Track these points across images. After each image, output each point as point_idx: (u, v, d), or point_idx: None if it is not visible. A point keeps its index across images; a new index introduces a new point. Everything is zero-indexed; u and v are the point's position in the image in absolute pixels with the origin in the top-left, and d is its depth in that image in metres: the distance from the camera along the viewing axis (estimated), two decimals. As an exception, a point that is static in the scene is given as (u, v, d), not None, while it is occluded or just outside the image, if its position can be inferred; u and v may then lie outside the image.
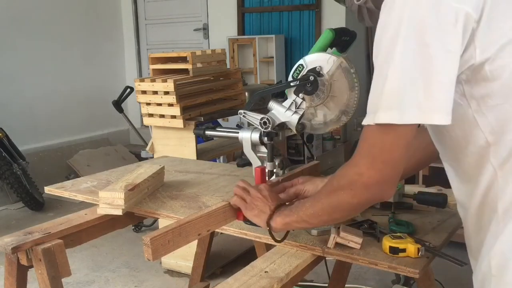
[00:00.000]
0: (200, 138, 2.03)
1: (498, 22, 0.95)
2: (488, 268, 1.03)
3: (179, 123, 2.98)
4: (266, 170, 1.58)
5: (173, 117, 3.00)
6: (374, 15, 1.23)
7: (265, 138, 1.61)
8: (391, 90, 0.95)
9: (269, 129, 1.59)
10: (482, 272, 1.06)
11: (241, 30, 5.66)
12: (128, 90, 4.59)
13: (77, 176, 4.90)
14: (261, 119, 1.60)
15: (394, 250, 1.27)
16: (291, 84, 1.58)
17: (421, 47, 0.92)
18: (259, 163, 1.65)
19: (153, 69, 3.21)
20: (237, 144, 1.73)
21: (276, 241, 1.32)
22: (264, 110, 1.64)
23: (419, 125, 0.98)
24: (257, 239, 1.47)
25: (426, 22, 0.93)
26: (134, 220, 1.84)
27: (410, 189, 1.67)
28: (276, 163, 1.64)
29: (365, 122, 1.01)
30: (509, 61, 0.95)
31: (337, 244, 1.32)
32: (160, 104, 3.02)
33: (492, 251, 1.03)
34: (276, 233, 1.30)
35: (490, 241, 1.04)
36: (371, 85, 1.00)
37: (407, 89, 0.93)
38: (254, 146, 1.67)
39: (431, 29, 0.92)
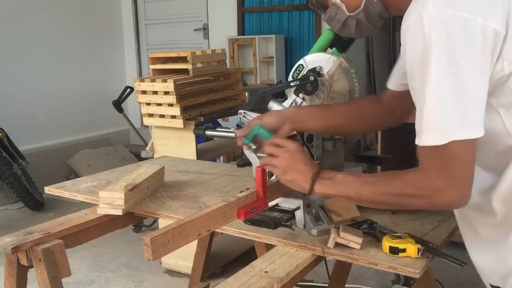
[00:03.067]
0: (200, 138, 2.03)
1: None
2: None
3: (179, 123, 2.98)
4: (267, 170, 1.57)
5: (173, 117, 3.00)
6: (361, 27, 1.26)
7: (265, 138, 1.61)
8: (431, 111, 0.99)
9: (269, 129, 1.59)
10: (507, 266, 1.11)
11: (241, 30, 5.66)
12: (128, 90, 4.59)
13: (77, 176, 4.90)
14: (261, 119, 1.60)
15: (394, 250, 1.27)
16: (291, 84, 1.59)
17: (452, 66, 0.95)
18: (259, 163, 1.64)
19: (153, 69, 3.21)
20: (237, 144, 1.73)
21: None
22: (264, 110, 1.64)
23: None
24: (257, 239, 1.47)
25: (454, 41, 0.95)
26: (134, 220, 1.84)
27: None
28: (276, 163, 1.64)
29: (417, 142, 1.03)
30: None
31: (337, 244, 1.32)
32: (160, 104, 3.02)
33: None
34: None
35: None
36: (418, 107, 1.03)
37: (446, 109, 0.97)
38: (254, 146, 1.67)
39: (460, 48, 0.95)
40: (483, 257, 1.18)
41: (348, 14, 1.24)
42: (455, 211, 1.24)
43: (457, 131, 0.97)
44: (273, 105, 1.64)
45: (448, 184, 1.01)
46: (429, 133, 0.99)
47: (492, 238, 1.14)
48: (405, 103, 1.25)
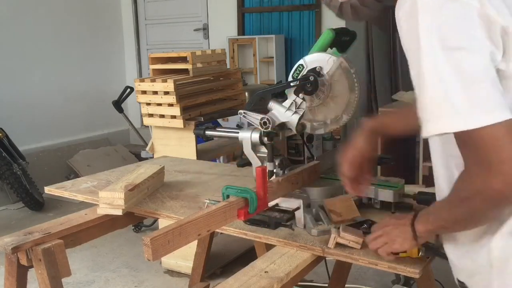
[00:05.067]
0: (200, 138, 2.03)
1: None
2: (486, 260, 1.06)
3: (179, 123, 2.98)
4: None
5: (173, 117, 3.00)
6: (357, 11, 1.25)
7: (265, 138, 1.61)
8: (433, 100, 0.95)
9: (269, 129, 1.59)
10: (476, 264, 1.09)
11: (241, 30, 5.66)
12: (128, 90, 4.59)
13: (77, 176, 4.90)
14: (261, 119, 1.60)
15: None
16: (291, 84, 1.58)
17: (452, 51, 0.93)
18: (259, 163, 1.64)
19: (153, 69, 3.21)
20: (237, 144, 1.73)
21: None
22: (264, 110, 1.64)
23: None
24: (257, 239, 1.47)
25: (452, 26, 0.93)
26: (134, 220, 1.84)
27: (410, 189, 1.67)
28: (276, 163, 1.64)
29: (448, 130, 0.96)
30: None
31: (337, 244, 1.32)
32: (160, 104, 3.02)
33: (493, 243, 1.05)
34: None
35: (488, 233, 1.06)
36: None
37: (451, 96, 0.93)
38: (254, 146, 1.67)
39: (459, 32, 0.93)
40: (455, 252, 1.17)
41: (340, 0, 1.24)
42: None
43: (489, 112, 0.91)
44: (273, 105, 1.64)
45: (487, 170, 0.93)
46: (457, 118, 0.93)
47: (465, 235, 1.12)
48: None
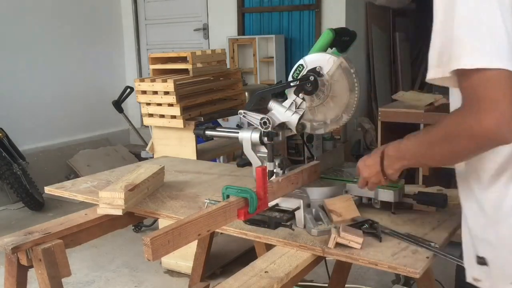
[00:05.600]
0: (200, 138, 2.03)
1: None
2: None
3: (179, 123, 2.98)
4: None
5: (173, 117, 3.00)
6: None
7: (265, 138, 1.61)
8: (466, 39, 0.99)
9: (269, 129, 1.59)
10: (500, 235, 1.12)
11: (241, 30, 5.66)
12: (128, 90, 4.59)
13: (77, 176, 4.90)
14: (261, 119, 1.60)
15: None
16: (291, 84, 1.58)
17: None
18: (259, 163, 1.65)
19: (153, 69, 3.21)
20: (237, 144, 1.73)
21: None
22: (264, 110, 1.64)
23: None
24: (257, 239, 1.47)
25: None
26: (134, 220, 1.84)
27: (410, 189, 1.67)
28: (276, 163, 1.64)
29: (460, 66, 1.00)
30: None
31: (337, 244, 1.32)
32: (160, 104, 3.02)
33: None
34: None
35: None
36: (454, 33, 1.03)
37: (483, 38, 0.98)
38: (254, 146, 1.67)
39: None
40: (478, 222, 1.16)
41: None
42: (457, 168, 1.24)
43: (497, 58, 0.97)
44: (273, 105, 1.64)
45: (481, 107, 0.98)
46: (469, 57, 0.98)
47: (491, 205, 1.12)
48: None
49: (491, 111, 0.97)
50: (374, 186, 1.43)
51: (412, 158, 1.23)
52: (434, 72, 1.06)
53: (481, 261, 1.16)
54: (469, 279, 1.20)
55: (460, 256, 1.30)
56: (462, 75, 1.01)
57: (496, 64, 0.96)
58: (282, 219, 1.39)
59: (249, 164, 1.73)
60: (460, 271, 1.33)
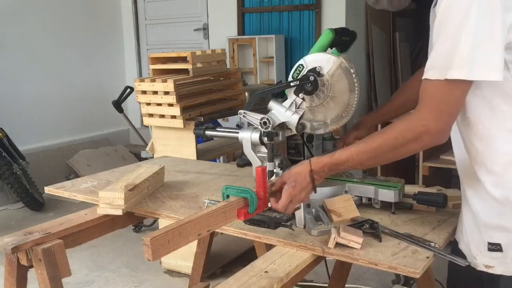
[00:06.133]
0: (200, 138, 2.03)
1: None
2: None
3: (179, 123, 2.98)
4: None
5: (173, 117, 3.00)
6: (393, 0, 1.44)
7: (265, 138, 1.61)
8: (464, 51, 1.09)
9: (269, 129, 1.59)
10: None
11: (241, 30, 5.65)
12: (128, 90, 4.59)
13: (77, 176, 4.90)
14: (261, 119, 1.60)
15: None
16: (291, 84, 1.58)
17: (492, 14, 1.08)
18: (259, 163, 1.65)
19: (153, 69, 3.21)
20: (237, 144, 1.73)
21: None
22: (264, 110, 1.64)
23: None
24: (257, 239, 1.47)
25: None
26: (134, 220, 1.84)
27: (410, 189, 1.67)
28: (276, 163, 1.64)
29: (431, 76, 1.15)
30: None
31: (337, 244, 1.32)
32: (160, 104, 3.02)
33: None
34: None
35: None
36: (433, 47, 1.16)
37: (478, 51, 1.09)
38: (254, 146, 1.67)
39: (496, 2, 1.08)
40: (489, 210, 1.22)
41: None
42: (459, 161, 1.32)
43: (484, 72, 1.09)
44: (273, 105, 1.64)
45: (436, 119, 1.14)
46: (460, 69, 1.09)
47: (503, 194, 1.20)
48: None
49: (440, 123, 1.17)
50: (295, 205, 1.38)
51: (346, 166, 1.31)
52: (432, 74, 1.16)
53: (494, 247, 1.22)
54: (480, 267, 1.25)
55: (453, 252, 1.32)
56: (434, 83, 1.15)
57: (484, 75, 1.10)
58: (282, 219, 1.39)
59: (249, 164, 1.73)
60: (453, 268, 1.36)
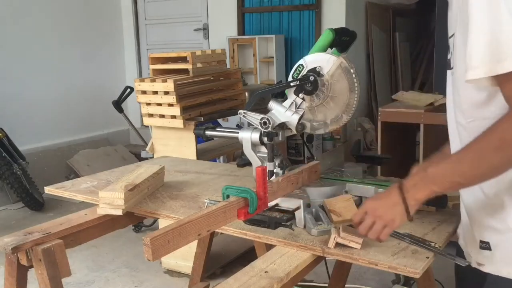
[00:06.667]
0: (200, 138, 2.03)
1: None
2: None
3: (179, 123, 2.98)
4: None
5: (173, 117, 3.00)
6: None
7: (265, 138, 1.61)
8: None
9: (269, 129, 1.59)
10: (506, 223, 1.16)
11: (241, 30, 5.66)
12: (128, 90, 4.59)
13: (77, 176, 4.90)
14: (261, 119, 1.60)
15: None
16: (291, 84, 1.59)
17: None
18: (259, 163, 1.65)
19: (153, 69, 3.21)
20: (237, 144, 1.73)
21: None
22: (264, 110, 1.64)
23: None
24: (257, 239, 1.47)
25: None
26: (134, 220, 1.84)
27: (410, 189, 1.66)
28: (276, 163, 1.64)
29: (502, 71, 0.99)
30: None
31: (337, 244, 1.32)
32: (160, 104, 3.02)
33: None
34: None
35: None
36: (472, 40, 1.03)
37: None
38: (254, 146, 1.67)
39: None
40: (481, 211, 1.21)
41: None
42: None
43: None
44: (273, 105, 1.64)
45: None
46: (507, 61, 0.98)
47: (494, 193, 1.16)
48: None
49: None
50: (387, 234, 1.24)
51: (444, 181, 1.13)
52: (479, 72, 1.03)
53: (484, 246, 1.20)
54: (473, 264, 1.24)
55: (458, 254, 1.31)
56: (507, 78, 1.00)
57: None
58: (282, 219, 1.39)
59: (249, 164, 1.73)
60: (459, 269, 1.35)
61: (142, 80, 3.06)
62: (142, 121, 3.80)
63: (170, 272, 3.30)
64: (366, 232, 1.24)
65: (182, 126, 2.97)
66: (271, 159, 1.63)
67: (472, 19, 1.03)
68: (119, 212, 1.64)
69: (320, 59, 1.59)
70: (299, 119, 1.60)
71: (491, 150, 1.04)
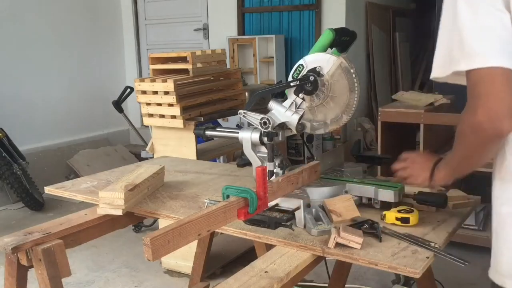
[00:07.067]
0: (200, 138, 2.03)
1: None
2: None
3: (179, 123, 2.98)
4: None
5: (173, 117, 3.00)
6: None
7: (265, 138, 1.61)
8: (469, 41, 1.08)
9: (269, 129, 1.59)
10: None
11: (241, 30, 5.66)
12: (128, 90, 4.59)
13: (77, 176, 4.90)
14: (261, 119, 1.60)
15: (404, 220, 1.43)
16: (291, 84, 1.59)
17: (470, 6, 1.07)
18: (259, 163, 1.65)
19: (153, 69, 3.21)
20: (237, 144, 1.73)
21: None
22: (264, 110, 1.64)
23: None
24: (257, 239, 1.47)
25: None
26: (134, 220, 1.84)
27: (410, 189, 1.67)
28: (276, 163, 1.64)
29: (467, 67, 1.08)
30: None
31: (337, 244, 1.32)
32: (160, 104, 3.02)
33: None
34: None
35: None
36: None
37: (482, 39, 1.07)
38: (254, 146, 1.67)
39: None
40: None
41: None
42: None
43: (489, 58, 1.05)
44: (273, 105, 1.64)
45: (476, 104, 1.07)
46: (466, 60, 1.07)
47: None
48: None
49: (481, 107, 1.06)
50: (409, 182, 1.50)
51: (446, 167, 1.34)
52: (438, 72, 1.16)
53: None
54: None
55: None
56: (467, 76, 1.10)
57: (490, 63, 1.04)
58: (282, 219, 1.39)
59: (249, 164, 1.73)
60: None
61: (142, 80, 3.06)
62: (142, 121, 3.80)
63: (170, 272, 3.30)
64: (399, 170, 1.52)
65: (182, 126, 2.97)
66: (271, 159, 1.63)
67: (441, 22, 1.14)
68: (119, 212, 1.64)
69: (320, 59, 1.59)
70: (299, 119, 1.60)
71: (461, 138, 1.19)
